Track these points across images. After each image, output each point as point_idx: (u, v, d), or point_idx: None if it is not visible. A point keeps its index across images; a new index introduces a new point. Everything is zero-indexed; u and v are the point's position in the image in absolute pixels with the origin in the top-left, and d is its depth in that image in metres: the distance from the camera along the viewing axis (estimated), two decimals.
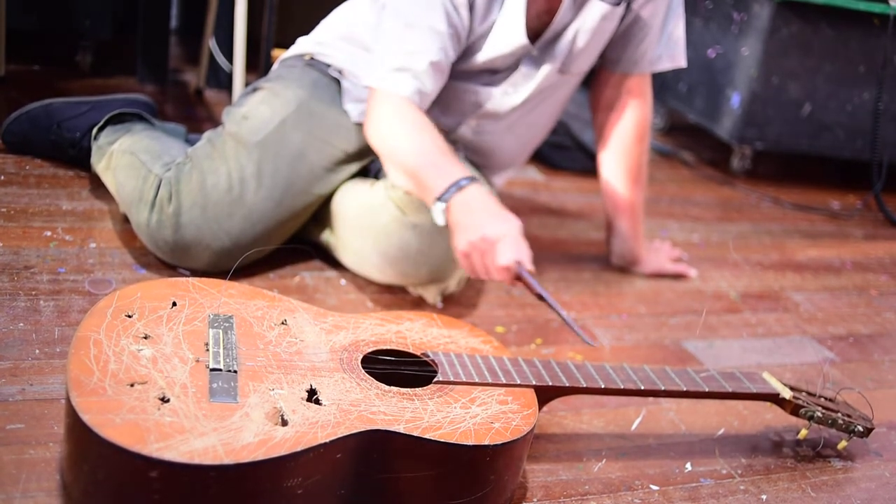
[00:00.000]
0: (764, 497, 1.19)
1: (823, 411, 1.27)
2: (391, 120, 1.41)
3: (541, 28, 1.50)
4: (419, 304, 1.54)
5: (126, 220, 1.54)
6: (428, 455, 0.98)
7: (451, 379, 1.08)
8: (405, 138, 1.39)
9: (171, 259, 1.45)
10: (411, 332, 1.18)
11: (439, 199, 1.31)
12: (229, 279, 1.17)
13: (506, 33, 1.47)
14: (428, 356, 1.13)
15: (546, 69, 1.54)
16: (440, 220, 1.32)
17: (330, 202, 1.54)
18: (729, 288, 1.88)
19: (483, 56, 1.50)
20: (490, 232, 1.25)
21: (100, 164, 1.59)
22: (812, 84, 2.48)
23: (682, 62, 1.67)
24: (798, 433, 1.30)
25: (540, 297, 1.23)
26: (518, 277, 1.25)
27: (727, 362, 1.55)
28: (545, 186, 2.27)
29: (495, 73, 1.53)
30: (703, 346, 1.60)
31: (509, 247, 1.25)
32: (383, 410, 0.99)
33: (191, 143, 1.64)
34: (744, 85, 2.47)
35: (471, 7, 1.44)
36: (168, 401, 0.91)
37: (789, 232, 2.30)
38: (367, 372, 1.06)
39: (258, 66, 2.11)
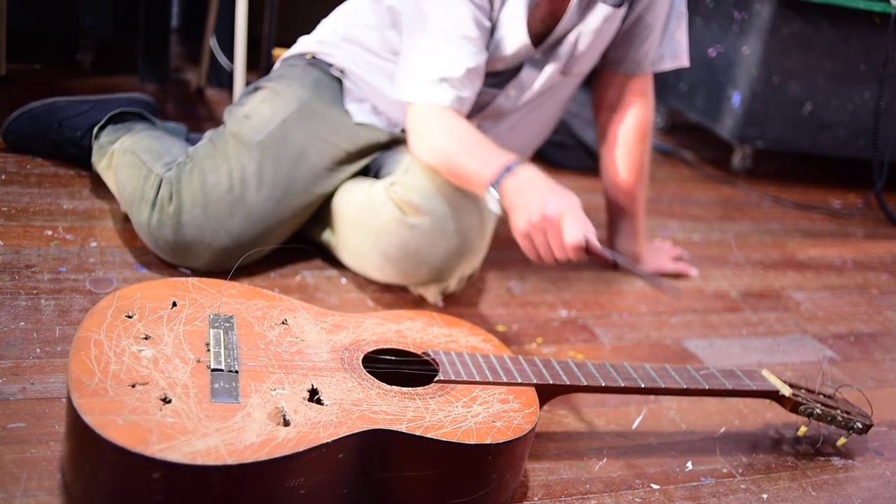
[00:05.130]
0: (765, 496, 1.20)
1: (822, 408, 1.27)
2: (433, 129, 1.40)
3: (545, 32, 1.50)
4: (420, 303, 1.54)
5: (127, 219, 1.55)
6: (430, 454, 0.98)
7: (452, 378, 1.08)
8: (448, 140, 1.38)
9: (171, 258, 1.46)
10: (412, 331, 1.18)
11: (492, 185, 1.28)
12: (230, 279, 1.17)
13: (507, 35, 1.46)
14: (429, 355, 1.13)
15: (548, 71, 1.54)
16: (495, 208, 1.29)
17: (330, 202, 1.54)
18: (730, 287, 1.88)
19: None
20: (551, 210, 1.20)
21: (101, 164, 1.59)
22: (813, 83, 2.48)
23: (684, 61, 1.67)
24: (797, 430, 1.30)
25: (615, 266, 1.19)
26: (588, 251, 1.19)
27: (728, 361, 1.55)
28: None
29: (497, 75, 1.53)
30: (703, 345, 1.60)
31: (575, 222, 1.20)
32: (385, 410, 0.99)
33: (192, 142, 1.64)
34: (745, 84, 2.47)
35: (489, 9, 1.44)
36: (170, 401, 0.91)
37: (790, 231, 2.30)
38: (368, 371, 1.06)
39: (259, 65, 2.10)
